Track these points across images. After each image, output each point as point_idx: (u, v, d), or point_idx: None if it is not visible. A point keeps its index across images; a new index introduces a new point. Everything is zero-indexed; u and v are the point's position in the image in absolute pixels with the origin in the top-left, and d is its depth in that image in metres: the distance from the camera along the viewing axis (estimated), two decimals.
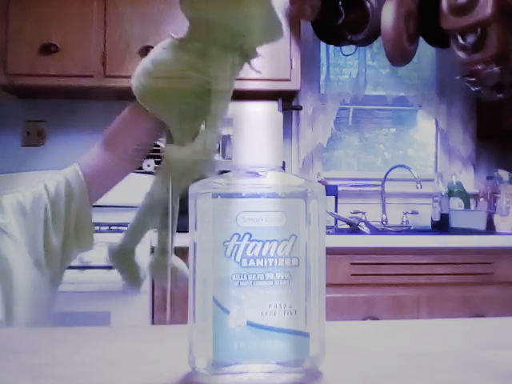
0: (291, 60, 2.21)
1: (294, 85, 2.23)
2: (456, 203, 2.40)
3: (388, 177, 2.48)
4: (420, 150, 2.78)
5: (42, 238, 0.75)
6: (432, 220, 2.41)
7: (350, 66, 2.61)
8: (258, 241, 0.36)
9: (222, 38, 0.64)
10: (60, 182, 0.76)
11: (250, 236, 0.36)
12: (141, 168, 2.22)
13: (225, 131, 2.42)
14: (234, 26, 0.63)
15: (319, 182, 2.27)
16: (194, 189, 0.37)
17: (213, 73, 0.65)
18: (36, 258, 0.74)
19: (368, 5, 2.27)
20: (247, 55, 0.68)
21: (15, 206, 0.75)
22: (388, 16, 2.13)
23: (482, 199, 2.41)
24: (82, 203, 0.76)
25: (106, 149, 0.76)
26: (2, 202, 0.76)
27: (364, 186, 2.54)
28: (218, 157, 2.28)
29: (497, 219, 2.20)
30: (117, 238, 0.75)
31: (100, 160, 0.76)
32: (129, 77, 0.69)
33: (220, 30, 0.63)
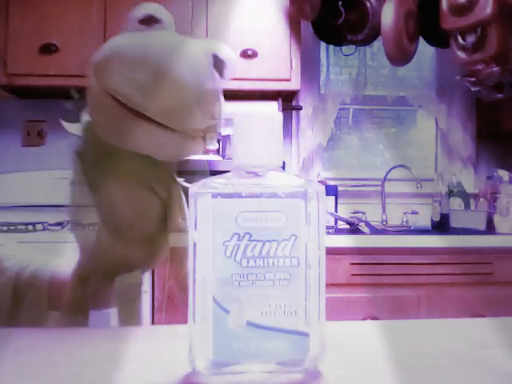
0: (291, 60, 2.21)
1: (293, 85, 2.23)
2: (456, 203, 2.40)
3: (388, 177, 2.48)
4: (420, 150, 2.78)
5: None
6: (432, 220, 2.41)
7: (350, 66, 2.61)
8: (258, 241, 0.36)
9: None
10: (29, 269, 0.69)
11: (250, 236, 0.36)
12: None
13: (225, 131, 2.44)
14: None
15: (319, 182, 2.27)
16: (194, 189, 0.37)
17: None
18: None
19: (368, 5, 2.27)
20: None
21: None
22: (388, 16, 2.13)
23: (481, 199, 2.41)
24: (36, 306, 0.68)
25: None
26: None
27: (364, 185, 2.54)
28: (217, 157, 2.28)
29: (497, 219, 2.20)
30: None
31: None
32: None
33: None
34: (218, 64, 0.60)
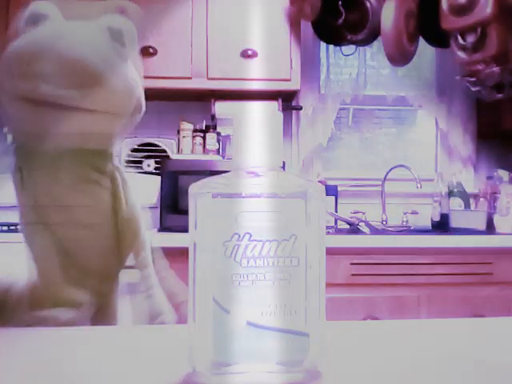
0: (291, 60, 2.21)
1: (294, 85, 2.23)
2: (456, 203, 2.40)
3: (388, 177, 2.48)
4: (420, 150, 2.78)
5: None
6: (432, 220, 2.41)
7: (350, 66, 2.61)
8: (258, 241, 0.36)
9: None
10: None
11: (250, 236, 0.36)
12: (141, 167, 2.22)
13: (225, 131, 2.44)
14: None
15: (319, 182, 2.27)
16: (194, 189, 0.37)
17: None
18: None
19: (368, 5, 2.27)
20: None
21: None
22: (388, 16, 2.13)
23: (482, 199, 2.41)
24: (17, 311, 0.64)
25: None
26: None
27: (364, 186, 2.54)
28: (217, 157, 2.28)
29: (497, 219, 2.19)
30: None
31: None
32: None
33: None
34: (116, 35, 0.59)
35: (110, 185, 0.61)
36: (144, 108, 0.64)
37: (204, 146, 2.31)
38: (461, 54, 2.02)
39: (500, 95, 2.09)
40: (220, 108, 2.26)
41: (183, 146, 2.29)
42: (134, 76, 0.62)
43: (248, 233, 0.36)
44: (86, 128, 0.58)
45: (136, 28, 0.61)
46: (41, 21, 0.59)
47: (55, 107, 0.55)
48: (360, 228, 2.20)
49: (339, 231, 2.23)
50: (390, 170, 2.47)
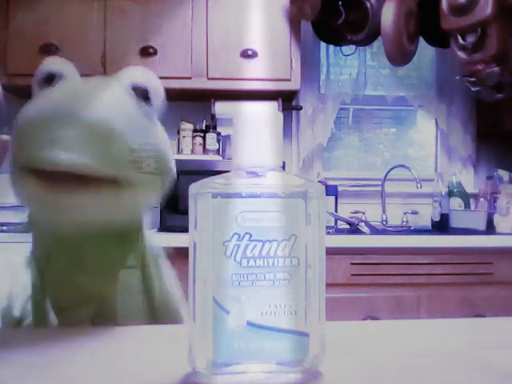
0: (291, 60, 2.21)
1: (294, 85, 2.23)
2: (456, 203, 2.40)
3: (388, 177, 2.48)
4: (420, 150, 2.78)
5: None
6: (432, 220, 2.41)
7: (350, 66, 2.61)
8: (258, 241, 0.36)
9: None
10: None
11: (250, 236, 0.36)
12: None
13: (225, 131, 2.44)
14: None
15: (319, 182, 2.27)
16: (194, 189, 0.37)
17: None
18: None
19: (368, 5, 2.27)
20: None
21: None
22: (388, 16, 2.13)
23: (482, 199, 2.41)
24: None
25: None
26: None
27: (364, 186, 2.54)
28: (217, 157, 2.28)
29: (497, 219, 2.20)
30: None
31: None
32: None
33: None
34: (141, 93, 0.54)
35: (140, 267, 0.56)
36: (175, 173, 0.57)
37: (204, 146, 2.31)
38: (461, 54, 2.02)
39: (500, 95, 2.09)
40: (220, 108, 2.26)
41: (183, 146, 2.29)
42: (163, 137, 0.56)
43: (248, 233, 0.36)
44: (112, 203, 0.51)
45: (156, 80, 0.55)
46: (56, 80, 0.53)
47: (76, 180, 0.48)
48: (360, 228, 2.20)
49: (339, 231, 2.23)
50: (390, 170, 2.47)
